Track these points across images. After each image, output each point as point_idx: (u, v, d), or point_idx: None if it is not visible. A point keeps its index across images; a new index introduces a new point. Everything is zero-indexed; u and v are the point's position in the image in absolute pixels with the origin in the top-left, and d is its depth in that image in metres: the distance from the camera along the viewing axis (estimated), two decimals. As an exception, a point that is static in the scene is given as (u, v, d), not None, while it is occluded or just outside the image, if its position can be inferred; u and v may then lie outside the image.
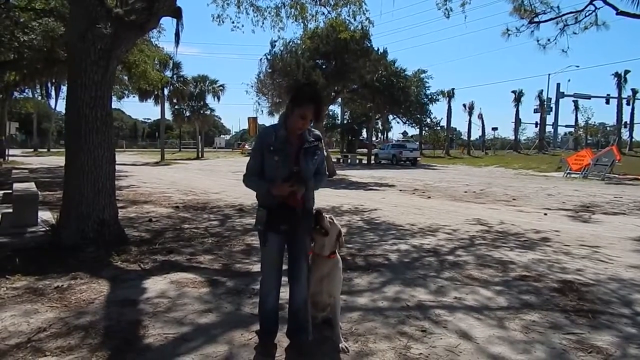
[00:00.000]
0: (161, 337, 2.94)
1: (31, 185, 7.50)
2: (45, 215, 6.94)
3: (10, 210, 6.43)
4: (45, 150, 44.93)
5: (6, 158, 23.54)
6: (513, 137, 51.18)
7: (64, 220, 5.30)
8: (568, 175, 20.71)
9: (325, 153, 2.83)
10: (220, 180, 16.67)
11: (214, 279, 4.19)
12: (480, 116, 51.27)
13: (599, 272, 4.71)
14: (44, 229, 5.98)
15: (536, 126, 50.48)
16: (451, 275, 4.50)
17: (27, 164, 23.19)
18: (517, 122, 49.90)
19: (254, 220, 2.75)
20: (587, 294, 3.98)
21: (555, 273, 4.64)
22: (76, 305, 3.45)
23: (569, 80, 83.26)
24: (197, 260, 4.90)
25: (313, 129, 2.73)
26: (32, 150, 45.54)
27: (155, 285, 3.98)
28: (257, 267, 4.29)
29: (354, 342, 2.91)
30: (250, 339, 2.93)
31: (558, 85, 49.19)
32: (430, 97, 36.90)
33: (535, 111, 49.54)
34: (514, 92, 49.30)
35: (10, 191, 7.10)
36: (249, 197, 9.00)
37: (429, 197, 11.85)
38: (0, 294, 3.62)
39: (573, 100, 51.24)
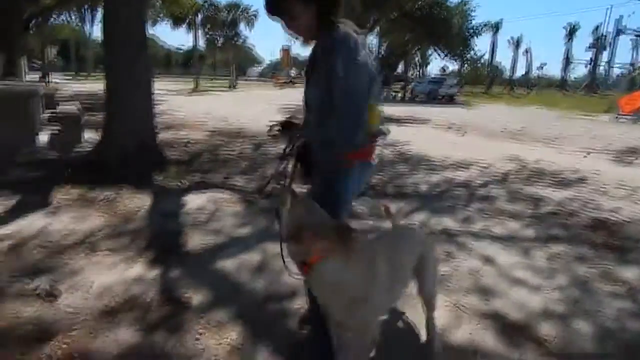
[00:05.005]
0: (201, 245, 3.19)
1: (76, 105, 7.79)
2: (89, 134, 7.27)
3: (58, 128, 6.76)
4: (85, 74, 45.83)
5: (49, 81, 24.23)
6: (561, 76, 47.95)
7: (107, 140, 5.56)
8: (617, 118, 19.48)
9: None
10: (253, 109, 16.71)
11: (249, 200, 4.39)
12: (528, 51, 48.00)
13: (635, 212, 4.61)
14: (88, 148, 6.30)
15: (587, 65, 46.95)
16: (480, 207, 4.52)
17: (67, 88, 23.85)
18: (567, 59, 46.47)
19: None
20: (618, 233, 3.93)
21: (589, 212, 4.57)
22: (123, 214, 3.73)
23: (633, 13, 75.04)
24: (232, 181, 5.10)
25: None
26: (73, 73, 46.57)
27: (194, 200, 4.22)
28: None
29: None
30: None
31: (618, 18, 44.86)
32: (473, 29, 34.45)
33: (589, 48, 45.79)
34: (567, 26, 45.47)
35: (56, 111, 7.41)
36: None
37: (464, 134, 11.55)
38: (58, 201, 3.96)
39: (635, 36, 46.80)
